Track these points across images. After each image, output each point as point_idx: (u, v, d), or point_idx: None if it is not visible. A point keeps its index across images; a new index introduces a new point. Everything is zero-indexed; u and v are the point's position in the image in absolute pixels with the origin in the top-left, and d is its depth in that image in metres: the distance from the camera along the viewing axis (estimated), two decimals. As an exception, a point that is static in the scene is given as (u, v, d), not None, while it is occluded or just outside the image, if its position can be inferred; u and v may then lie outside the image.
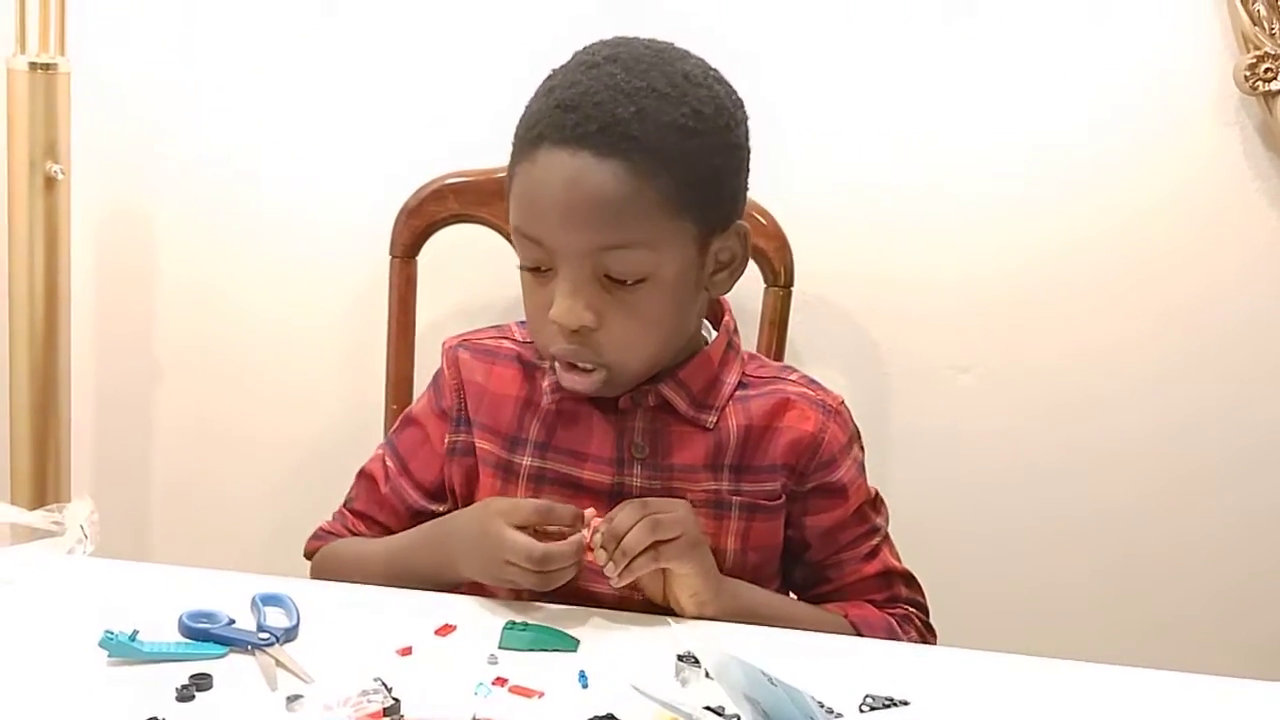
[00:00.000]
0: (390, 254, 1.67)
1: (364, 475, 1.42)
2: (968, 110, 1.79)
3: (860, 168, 1.80)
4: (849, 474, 1.34)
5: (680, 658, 1.08)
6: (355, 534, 1.39)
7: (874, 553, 1.35)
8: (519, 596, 1.23)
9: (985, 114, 1.78)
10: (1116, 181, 1.80)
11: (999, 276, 1.83)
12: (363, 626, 1.14)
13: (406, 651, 1.09)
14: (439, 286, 1.75)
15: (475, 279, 1.82)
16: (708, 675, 1.05)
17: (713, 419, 1.30)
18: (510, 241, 1.62)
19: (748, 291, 1.67)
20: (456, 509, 1.34)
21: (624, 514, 1.19)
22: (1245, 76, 1.71)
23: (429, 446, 1.37)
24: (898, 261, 1.83)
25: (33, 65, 1.71)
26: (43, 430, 1.79)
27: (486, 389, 1.34)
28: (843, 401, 1.36)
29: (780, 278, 1.66)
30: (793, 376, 1.37)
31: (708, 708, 1.01)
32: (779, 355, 1.68)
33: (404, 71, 1.81)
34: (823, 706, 0.88)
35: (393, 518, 1.39)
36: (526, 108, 1.24)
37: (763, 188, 1.42)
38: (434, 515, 1.36)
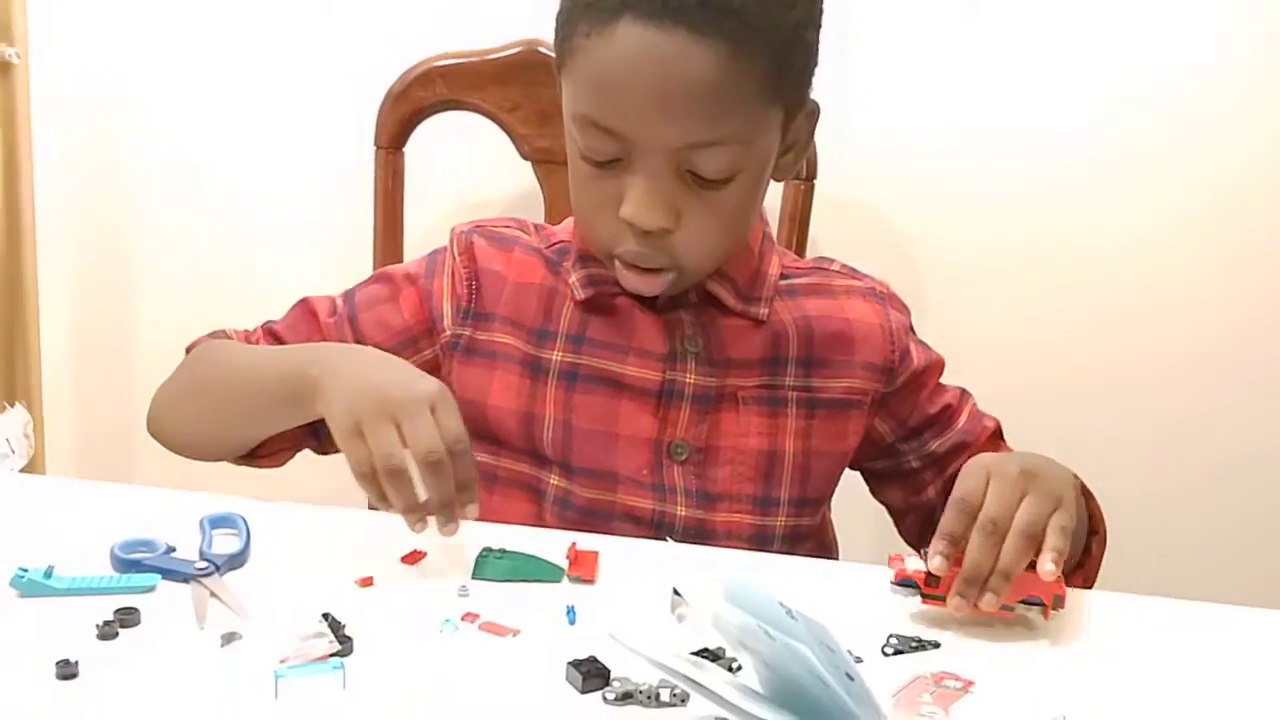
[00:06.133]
0: (375, 144, 1.54)
1: (302, 302, 1.24)
2: (1061, 94, 1.68)
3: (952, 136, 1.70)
4: (920, 351, 1.26)
5: (676, 591, 0.95)
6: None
7: (979, 414, 1.28)
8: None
9: (1080, 101, 1.67)
10: (1220, 167, 1.68)
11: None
12: (321, 552, 1.02)
13: (367, 582, 0.97)
14: (428, 180, 1.62)
15: (469, 173, 1.69)
16: (709, 610, 0.92)
17: (763, 311, 1.18)
18: (509, 131, 1.51)
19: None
20: None
21: (975, 544, 0.94)
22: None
23: (390, 309, 1.21)
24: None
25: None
26: (9, 330, 1.68)
27: (507, 277, 1.19)
28: (887, 284, 1.27)
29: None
30: (834, 266, 1.26)
31: (705, 650, 0.88)
32: (800, 253, 1.55)
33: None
34: (852, 654, 0.74)
35: None
36: None
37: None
38: None
